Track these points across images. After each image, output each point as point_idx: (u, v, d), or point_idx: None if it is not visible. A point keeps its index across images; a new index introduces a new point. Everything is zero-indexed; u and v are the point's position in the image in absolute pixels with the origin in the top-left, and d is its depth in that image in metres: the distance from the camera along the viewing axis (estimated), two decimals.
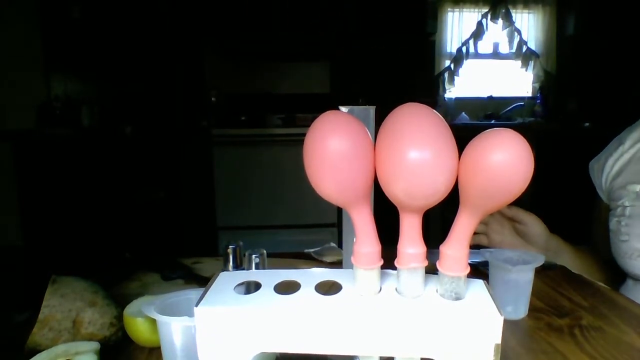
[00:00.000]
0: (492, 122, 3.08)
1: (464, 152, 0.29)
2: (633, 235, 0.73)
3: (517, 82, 3.31)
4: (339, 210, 0.33)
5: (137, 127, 2.57)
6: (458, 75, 3.22)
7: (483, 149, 0.28)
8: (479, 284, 0.34)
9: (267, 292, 0.33)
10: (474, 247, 0.80)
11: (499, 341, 0.29)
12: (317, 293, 0.33)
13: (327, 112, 0.31)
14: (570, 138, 2.71)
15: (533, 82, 3.26)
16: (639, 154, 0.78)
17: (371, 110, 0.52)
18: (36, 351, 0.45)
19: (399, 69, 3.01)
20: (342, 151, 0.29)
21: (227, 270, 0.61)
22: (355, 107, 0.50)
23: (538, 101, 3.16)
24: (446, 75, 3.21)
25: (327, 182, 0.30)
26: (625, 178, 0.78)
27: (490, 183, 0.28)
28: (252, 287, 0.34)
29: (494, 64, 3.31)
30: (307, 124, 0.30)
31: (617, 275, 0.79)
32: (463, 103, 3.22)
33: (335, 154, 0.29)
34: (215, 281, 0.35)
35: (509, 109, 3.16)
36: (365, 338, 0.31)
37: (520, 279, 0.59)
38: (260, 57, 2.96)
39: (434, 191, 0.29)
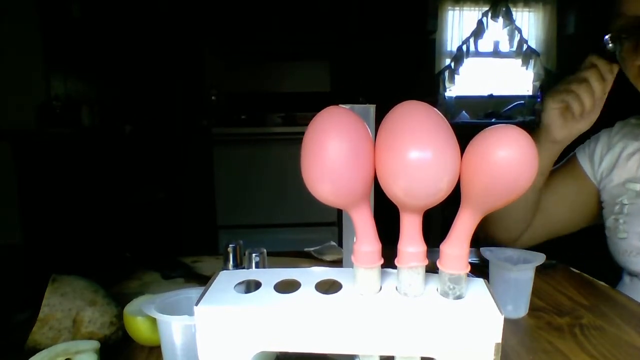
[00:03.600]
0: (493, 120, 3.08)
1: (466, 150, 0.29)
2: (632, 233, 0.73)
3: (518, 80, 3.30)
4: (339, 209, 0.33)
5: (137, 127, 2.57)
6: (458, 74, 3.22)
7: (487, 145, 0.27)
8: (479, 282, 0.34)
9: (267, 291, 0.33)
10: (473, 246, 0.78)
11: (500, 340, 0.29)
12: (317, 292, 0.33)
13: (328, 108, 0.30)
14: None
15: (533, 81, 3.26)
16: (629, 149, 0.78)
17: (371, 108, 0.52)
18: (36, 350, 0.45)
19: (399, 67, 3.00)
20: (342, 155, 0.28)
21: (227, 269, 0.61)
22: (356, 106, 0.50)
23: (539, 100, 3.15)
24: (446, 73, 3.21)
25: (326, 185, 0.29)
26: (621, 175, 0.77)
27: (494, 180, 0.27)
28: (252, 286, 0.34)
29: (495, 62, 3.31)
30: (308, 122, 0.30)
31: (613, 272, 0.79)
32: (463, 102, 3.22)
33: (335, 157, 0.28)
34: (215, 280, 0.35)
35: (509, 107, 3.16)
36: (365, 337, 0.31)
37: (521, 277, 0.58)
38: (260, 56, 2.96)
39: (435, 191, 0.28)
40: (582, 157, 0.84)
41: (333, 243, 0.89)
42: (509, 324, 0.56)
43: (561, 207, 0.85)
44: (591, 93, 0.71)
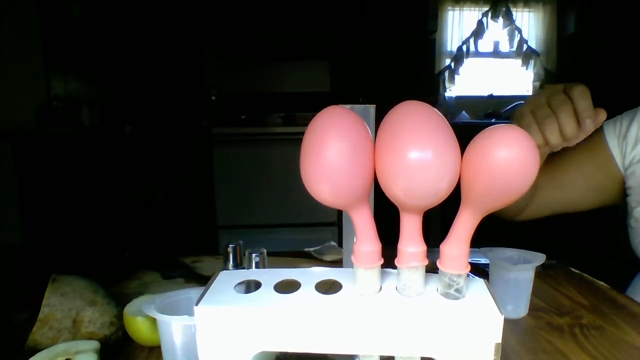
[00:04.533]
0: (493, 120, 3.08)
1: (467, 150, 0.29)
2: None
3: (518, 80, 3.31)
4: (339, 209, 0.33)
5: (137, 127, 2.57)
6: (458, 74, 3.22)
7: (488, 145, 0.27)
8: (479, 282, 0.34)
9: (267, 291, 0.33)
10: (473, 246, 0.77)
11: (500, 340, 0.29)
12: (317, 292, 0.33)
13: (328, 108, 0.30)
14: None
15: (533, 81, 3.26)
16: None
17: (371, 109, 0.52)
18: (36, 350, 0.45)
19: (399, 67, 3.01)
20: (342, 155, 0.28)
21: (227, 269, 0.61)
22: (356, 106, 0.50)
23: None
24: (446, 73, 3.21)
25: (326, 185, 0.29)
26: None
27: (495, 180, 0.27)
28: (252, 286, 0.34)
29: (495, 62, 3.31)
30: (308, 122, 0.30)
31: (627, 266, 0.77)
32: (463, 102, 3.22)
33: (335, 157, 0.28)
34: (215, 280, 0.35)
35: (509, 107, 3.16)
36: (365, 337, 0.31)
37: (521, 277, 0.58)
38: (260, 56, 2.96)
39: (436, 191, 0.28)
40: (610, 134, 0.76)
41: (333, 243, 0.89)
42: (509, 324, 0.56)
43: (576, 184, 0.78)
44: (558, 132, 0.57)
